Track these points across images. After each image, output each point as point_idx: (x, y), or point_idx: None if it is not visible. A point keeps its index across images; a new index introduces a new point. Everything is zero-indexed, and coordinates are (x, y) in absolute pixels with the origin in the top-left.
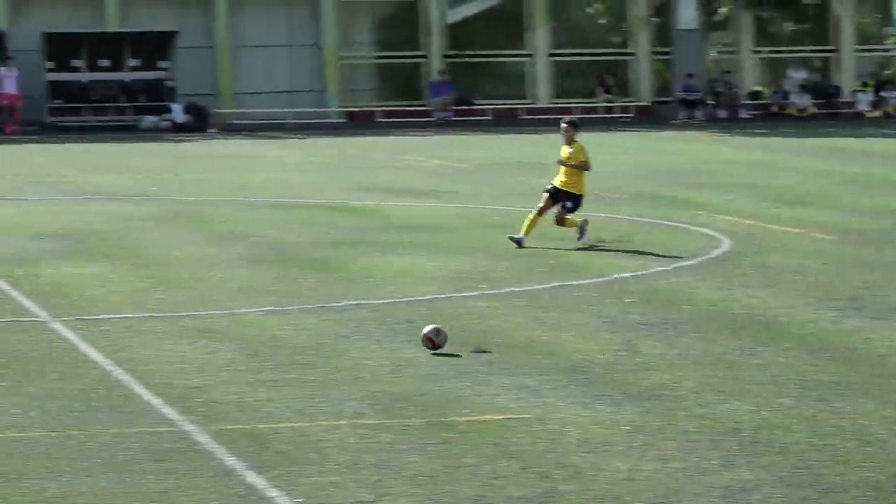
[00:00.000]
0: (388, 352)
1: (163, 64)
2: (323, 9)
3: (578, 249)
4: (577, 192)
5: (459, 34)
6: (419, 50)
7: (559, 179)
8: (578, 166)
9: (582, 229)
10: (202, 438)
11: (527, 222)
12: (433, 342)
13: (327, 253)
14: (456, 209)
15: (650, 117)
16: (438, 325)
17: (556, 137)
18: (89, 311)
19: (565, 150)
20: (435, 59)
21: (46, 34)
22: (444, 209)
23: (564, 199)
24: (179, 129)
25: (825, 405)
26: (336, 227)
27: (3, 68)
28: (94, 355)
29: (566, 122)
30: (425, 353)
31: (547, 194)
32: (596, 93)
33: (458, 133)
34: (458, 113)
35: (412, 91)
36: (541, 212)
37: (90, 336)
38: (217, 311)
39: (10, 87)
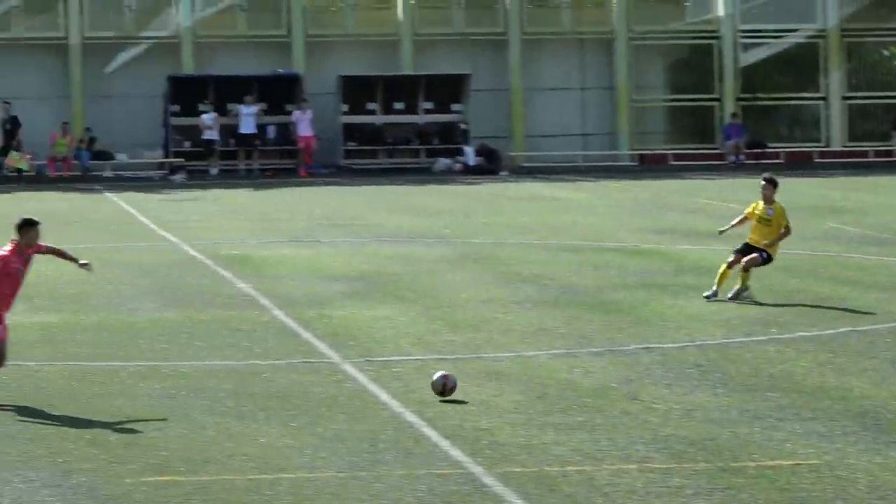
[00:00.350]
0: (677, 396)
1: (456, 107)
2: (616, 52)
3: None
4: (770, 254)
5: (752, 77)
6: (712, 93)
7: (753, 238)
8: (781, 238)
9: (740, 292)
10: (489, 480)
11: (718, 276)
12: (444, 388)
13: (617, 296)
14: None
15: None
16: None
17: (851, 181)
18: (379, 353)
19: (759, 207)
20: (728, 101)
21: (342, 77)
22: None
23: (761, 251)
24: (471, 172)
25: None
26: (626, 271)
27: (297, 111)
28: (384, 397)
29: (766, 180)
30: (716, 398)
31: (736, 254)
32: (891, 136)
33: (750, 176)
34: (750, 156)
35: (704, 134)
36: (730, 265)
37: (380, 378)
38: (505, 354)
39: (305, 130)
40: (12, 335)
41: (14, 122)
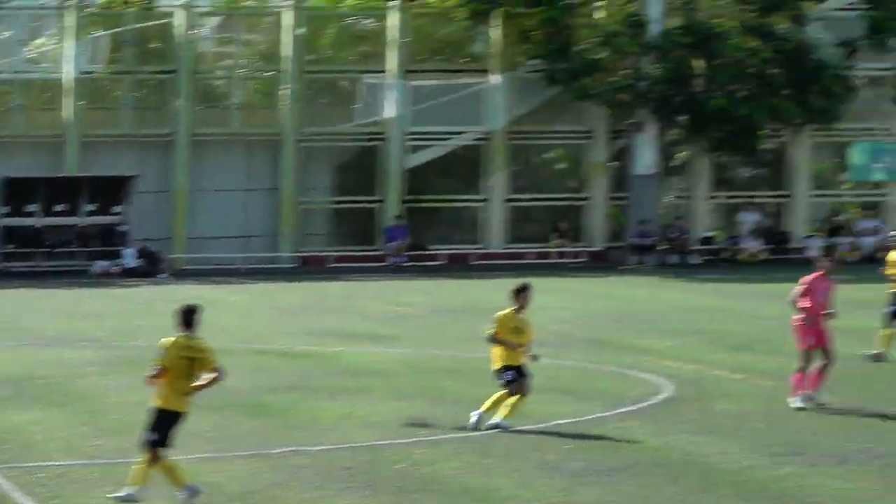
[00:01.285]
0: (326, 499)
1: (117, 208)
2: (282, 153)
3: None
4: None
5: (418, 179)
6: (376, 194)
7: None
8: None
9: None
10: None
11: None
12: None
13: (268, 399)
14: (406, 354)
15: (603, 263)
16: None
17: (507, 283)
18: (24, 459)
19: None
20: (392, 203)
21: (6, 178)
22: (393, 354)
23: None
24: (131, 274)
25: None
26: (278, 373)
27: None
28: None
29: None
30: (362, 499)
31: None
32: (550, 238)
33: (411, 278)
34: (412, 258)
35: (367, 236)
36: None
37: (25, 484)
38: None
39: None
40: None
41: None
